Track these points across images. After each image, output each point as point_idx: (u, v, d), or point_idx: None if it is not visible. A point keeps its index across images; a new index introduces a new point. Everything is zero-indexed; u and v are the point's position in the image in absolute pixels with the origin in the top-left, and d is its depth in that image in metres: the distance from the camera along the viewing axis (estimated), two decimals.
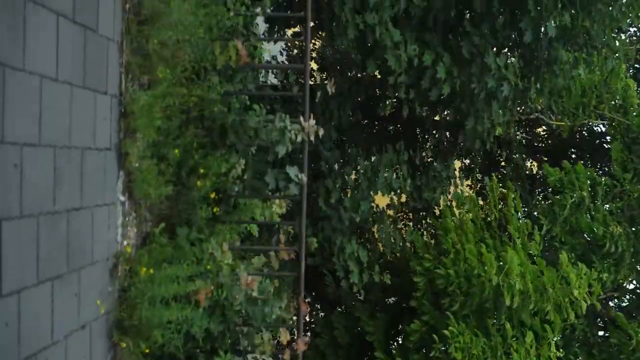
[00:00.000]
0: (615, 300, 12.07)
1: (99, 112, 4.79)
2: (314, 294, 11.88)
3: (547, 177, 11.56)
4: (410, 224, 11.86)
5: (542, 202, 12.52)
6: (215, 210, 5.90)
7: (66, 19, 4.27)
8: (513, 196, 10.08)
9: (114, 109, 5.05)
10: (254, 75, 6.53)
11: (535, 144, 14.24)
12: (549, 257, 11.64)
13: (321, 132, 6.08)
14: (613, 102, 10.69)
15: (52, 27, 4.10)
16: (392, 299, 11.13)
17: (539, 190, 14.25)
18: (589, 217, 10.57)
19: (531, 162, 14.79)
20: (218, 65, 5.76)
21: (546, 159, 14.20)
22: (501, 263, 9.51)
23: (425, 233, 12.15)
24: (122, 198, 5.23)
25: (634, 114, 10.67)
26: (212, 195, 5.76)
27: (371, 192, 9.38)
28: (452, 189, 11.94)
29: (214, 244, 5.64)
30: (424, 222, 11.63)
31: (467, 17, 8.70)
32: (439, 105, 9.13)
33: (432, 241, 10.61)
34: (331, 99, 9.54)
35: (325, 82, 6.55)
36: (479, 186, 13.58)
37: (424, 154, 10.37)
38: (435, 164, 10.15)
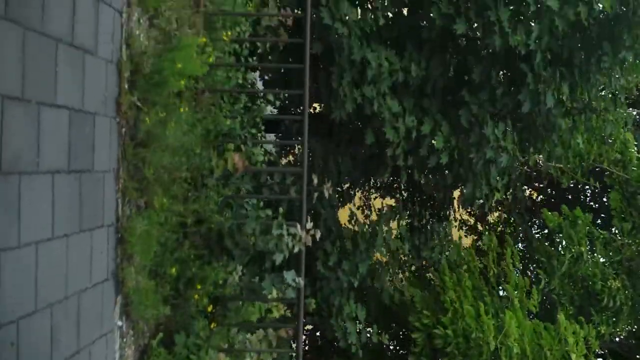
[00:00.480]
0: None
1: (95, 248, 4.79)
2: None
3: (546, 222, 11.61)
4: (410, 273, 11.90)
5: (541, 238, 12.53)
6: (211, 316, 5.93)
7: (61, 174, 4.27)
8: (512, 254, 10.11)
9: (111, 238, 5.04)
10: (251, 176, 6.54)
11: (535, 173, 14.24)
12: (547, 308, 11.71)
13: (318, 234, 6.10)
14: (613, 157, 10.67)
15: (47, 189, 4.09)
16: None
17: (538, 222, 14.28)
18: (588, 269, 10.60)
19: (530, 191, 14.82)
20: (216, 174, 5.75)
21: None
22: (500, 322, 9.56)
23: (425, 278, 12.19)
24: (119, 323, 5.24)
25: (633, 167, 10.67)
26: (210, 309, 5.78)
27: (369, 253, 9.39)
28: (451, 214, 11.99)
29: (212, 354, 5.67)
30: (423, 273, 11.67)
31: (466, 85, 8.66)
32: (437, 170, 9.12)
33: (431, 294, 10.65)
34: (329, 159, 9.54)
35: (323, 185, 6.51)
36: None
37: (421, 213, 10.38)
38: (433, 221, 10.16)
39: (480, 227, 14.05)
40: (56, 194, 4.19)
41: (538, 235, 13.78)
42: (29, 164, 3.84)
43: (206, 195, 5.76)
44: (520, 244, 13.61)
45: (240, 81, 6.57)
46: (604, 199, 12.16)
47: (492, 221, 13.65)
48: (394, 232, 9.53)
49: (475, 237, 13.82)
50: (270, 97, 6.47)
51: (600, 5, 7.50)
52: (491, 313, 9.53)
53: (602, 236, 10.67)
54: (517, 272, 10.38)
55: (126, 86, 5.20)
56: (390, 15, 8.40)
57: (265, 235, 5.82)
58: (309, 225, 5.98)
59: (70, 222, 4.39)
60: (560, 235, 11.31)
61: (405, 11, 8.91)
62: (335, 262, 9.26)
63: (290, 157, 11.91)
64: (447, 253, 9.85)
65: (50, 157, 4.07)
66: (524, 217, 13.55)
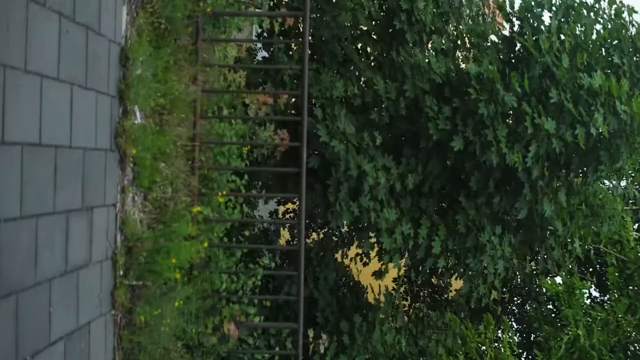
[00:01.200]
0: None
1: None
2: None
3: (545, 289, 11.63)
4: None
5: (539, 313, 12.55)
6: None
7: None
8: (509, 339, 10.15)
9: None
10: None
11: None
12: None
13: None
14: (610, 237, 10.67)
15: None
16: None
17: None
18: (586, 351, 10.62)
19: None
20: (212, 341, 5.78)
21: None
22: None
23: None
24: None
25: (630, 248, 10.68)
26: None
27: (367, 349, 9.43)
28: None
29: None
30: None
31: (463, 187, 8.65)
32: (434, 270, 9.14)
33: None
34: (321, 263, 9.57)
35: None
36: None
37: (417, 305, 10.42)
38: (429, 312, 10.20)
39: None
40: None
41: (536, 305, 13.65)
42: None
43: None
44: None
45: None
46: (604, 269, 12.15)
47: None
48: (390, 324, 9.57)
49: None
50: (266, 259, 6.47)
51: (598, 129, 7.46)
52: None
53: (599, 317, 10.70)
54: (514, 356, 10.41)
55: (121, 272, 5.21)
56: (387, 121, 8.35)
57: None
58: None
59: None
60: (561, 306, 11.31)
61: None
62: (331, 357, 9.29)
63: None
64: (444, 340, 9.87)
65: None
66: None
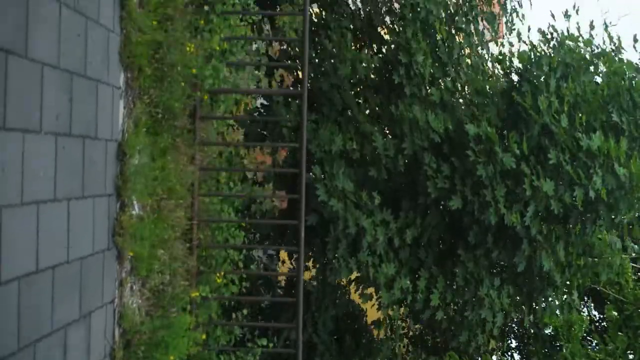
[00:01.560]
0: None
1: None
2: None
3: (545, 323, 11.64)
4: None
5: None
6: None
7: None
8: None
9: None
10: None
11: None
12: None
13: None
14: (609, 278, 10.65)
15: None
16: None
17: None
18: None
19: None
20: None
21: None
22: None
23: None
24: None
25: (629, 289, 10.67)
26: None
27: None
28: None
29: None
30: None
31: (461, 243, 8.65)
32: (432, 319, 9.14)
33: None
34: (320, 307, 9.57)
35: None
36: None
37: (417, 350, 10.44)
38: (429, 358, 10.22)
39: None
40: None
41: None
42: None
43: None
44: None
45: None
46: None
47: None
48: None
49: None
50: (264, 340, 6.48)
51: (597, 191, 7.46)
52: None
53: (598, 357, 10.71)
54: None
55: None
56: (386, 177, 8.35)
57: None
58: None
59: None
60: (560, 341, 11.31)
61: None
62: None
63: None
64: None
65: None
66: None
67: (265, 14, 8.58)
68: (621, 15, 31.12)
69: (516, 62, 8.35)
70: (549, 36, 8.33)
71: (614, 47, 8.32)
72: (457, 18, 9.09)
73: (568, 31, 8.23)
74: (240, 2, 6.23)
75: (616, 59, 8.11)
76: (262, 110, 9.31)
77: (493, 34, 9.13)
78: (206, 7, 5.57)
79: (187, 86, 5.62)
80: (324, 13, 9.65)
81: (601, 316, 13.24)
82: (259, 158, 8.54)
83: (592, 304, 13.81)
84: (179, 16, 5.52)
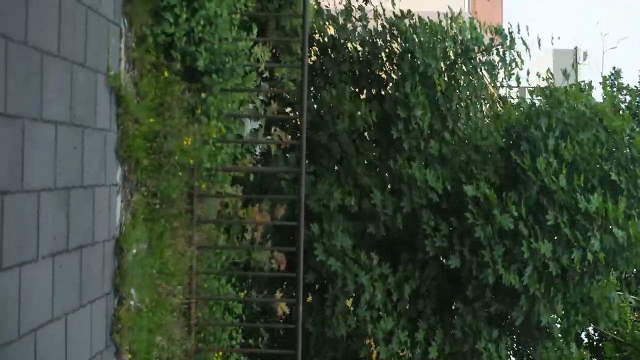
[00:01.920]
0: None
1: None
2: None
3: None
4: None
5: None
6: None
7: None
8: None
9: None
10: None
11: None
12: None
13: None
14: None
15: None
16: None
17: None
18: None
19: None
20: None
21: None
22: None
23: None
24: None
25: (628, 329, 10.71)
26: None
27: None
28: None
29: None
30: None
31: (459, 295, 8.66)
32: None
33: None
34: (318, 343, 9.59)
35: None
36: None
37: None
38: None
39: None
40: None
41: None
42: None
43: None
44: None
45: None
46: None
47: None
48: None
49: None
50: None
51: (595, 253, 7.47)
52: None
53: None
54: None
55: None
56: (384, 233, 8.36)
57: None
58: None
59: None
60: None
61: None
62: None
63: None
64: None
65: None
66: None
67: (266, 66, 8.55)
68: (620, 39, 31.26)
69: (514, 117, 8.35)
70: (548, 93, 8.31)
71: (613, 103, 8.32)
72: (456, 66, 9.06)
73: (566, 89, 8.22)
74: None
75: (614, 117, 8.08)
76: (260, 165, 9.30)
77: (492, 84, 9.10)
78: (203, 95, 5.55)
79: (185, 174, 5.62)
80: (322, 58, 9.59)
81: None
82: (258, 219, 8.56)
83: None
84: (176, 104, 5.52)
